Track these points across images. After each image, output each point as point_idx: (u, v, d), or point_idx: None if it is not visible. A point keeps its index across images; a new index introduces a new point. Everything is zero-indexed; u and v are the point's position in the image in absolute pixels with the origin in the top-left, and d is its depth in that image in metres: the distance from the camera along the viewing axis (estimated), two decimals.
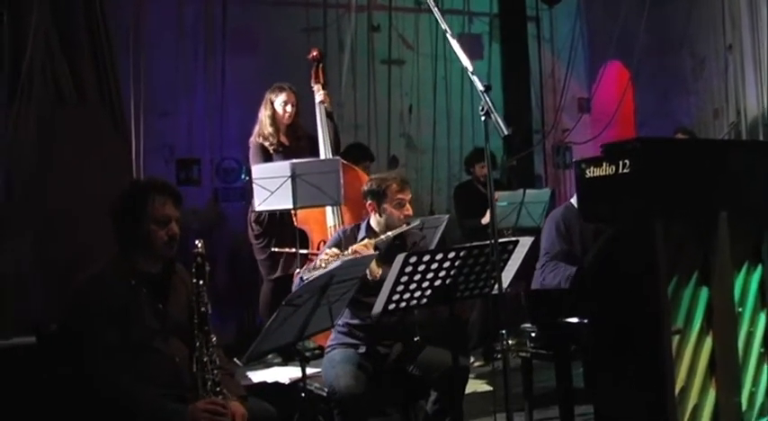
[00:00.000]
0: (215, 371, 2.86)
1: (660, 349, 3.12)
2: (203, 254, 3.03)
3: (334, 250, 3.75)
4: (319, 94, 5.49)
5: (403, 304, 3.18)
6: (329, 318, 3.01)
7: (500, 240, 3.26)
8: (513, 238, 3.36)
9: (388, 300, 3.12)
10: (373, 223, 4.00)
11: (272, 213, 5.07)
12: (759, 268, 3.79)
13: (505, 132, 2.61)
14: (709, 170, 3.44)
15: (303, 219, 4.99)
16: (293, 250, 5.05)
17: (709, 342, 3.48)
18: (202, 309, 2.87)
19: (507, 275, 3.46)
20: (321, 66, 5.64)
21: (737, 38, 6.88)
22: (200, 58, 7.27)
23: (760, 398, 3.70)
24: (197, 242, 3.04)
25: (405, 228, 3.91)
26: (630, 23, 7.17)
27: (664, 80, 7.75)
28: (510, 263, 3.42)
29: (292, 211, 4.99)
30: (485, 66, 8.72)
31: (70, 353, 2.80)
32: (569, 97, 8.43)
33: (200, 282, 2.93)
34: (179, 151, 7.15)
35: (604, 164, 3.23)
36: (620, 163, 3.16)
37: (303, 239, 5.10)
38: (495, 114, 2.59)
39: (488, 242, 3.16)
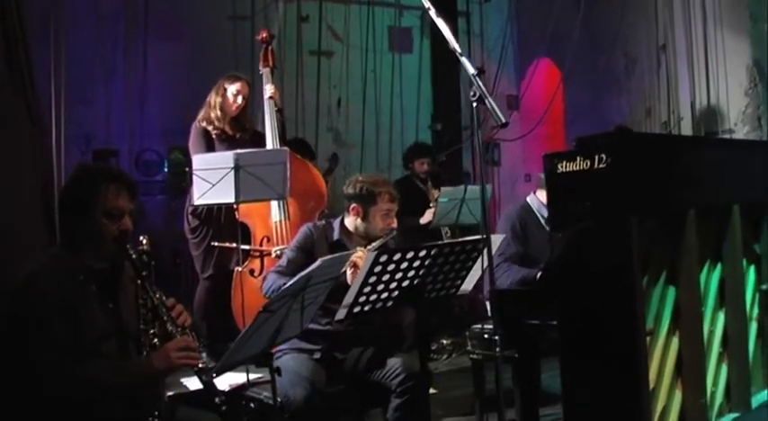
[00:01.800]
0: (171, 314, 2.66)
1: (635, 350, 3.02)
2: (149, 251, 2.77)
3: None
4: (268, 88, 5.24)
5: (368, 307, 2.96)
6: (300, 324, 2.77)
7: (469, 238, 3.09)
8: (482, 236, 3.17)
9: (354, 303, 2.89)
10: (348, 224, 3.78)
11: (210, 207, 4.76)
12: (719, 267, 3.77)
13: (503, 120, 2.43)
14: (682, 166, 3.38)
15: (246, 212, 4.71)
16: (233, 245, 4.76)
17: (675, 342, 3.42)
18: (156, 298, 2.61)
19: (475, 275, 3.29)
20: (270, 48, 5.40)
21: (671, 37, 6.95)
22: (120, 44, 6.94)
23: (719, 398, 3.68)
24: (141, 238, 2.78)
25: (387, 237, 3.72)
26: (563, 21, 7.15)
27: (595, 79, 7.79)
28: (479, 261, 3.24)
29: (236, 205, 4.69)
30: (415, 60, 8.64)
31: (13, 351, 2.46)
32: (498, 94, 8.38)
33: (146, 283, 2.66)
34: (96, 141, 6.77)
35: (578, 158, 3.10)
36: (597, 157, 3.05)
37: (245, 234, 4.82)
38: (490, 100, 2.40)
39: (461, 240, 3.01)
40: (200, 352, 2.63)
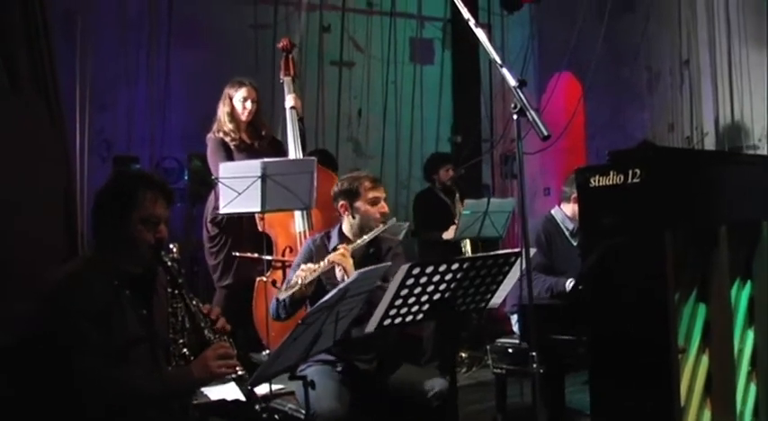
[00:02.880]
0: (208, 321, 2.66)
1: (668, 368, 3.00)
2: (179, 259, 2.78)
3: (311, 265, 3.48)
4: (290, 98, 5.21)
5: (399, 319, 2.94)
6: (332, 336, 2.75)
7: (503, 252, 3.07)
8: (515, 250, 3.15)
9: (385, 315, 2.87)
10: (345, 228, 3.76)
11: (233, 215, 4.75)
12: (749, 284, 3.73)
13: (545, 133, 2.41)
14: (713, 182, 3.35)
15: (268, 222, 4.69)
16: (255, 255, 4.75)
17: (705, 360, 3.38)
18: (193, 304, 2.61)
19: (505, 288, 3.26)
20: (291, 57, 5.36)
21: (695, 52, 6.92)
22: (143, 51, 6.94)
23: (748, 418, 3.64)
24: (171, 246, 2.78)
25: (381, 228, 3.66)
26: (585, 34, 7.13)
27: (617, 93, 7.75)
28: (510, 275, 3.21)
29: (257, 214, 4.69)
30: (436, 71, 8.64)
31: (50, 359, 2.46)
32: None
33: (177, 292, 2.66)
34: (117, 148, 6.79)
35: (612, 172, 3.10)
36: (630, 172, 3.04)
37: (267, 244, 4.80)
38: (533, 112, 2.39)
39: (494, 253, 2.99)
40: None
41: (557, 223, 4.42)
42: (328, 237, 3.79)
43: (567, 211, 4.42)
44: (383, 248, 3.79)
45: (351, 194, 3.70)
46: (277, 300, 3.53)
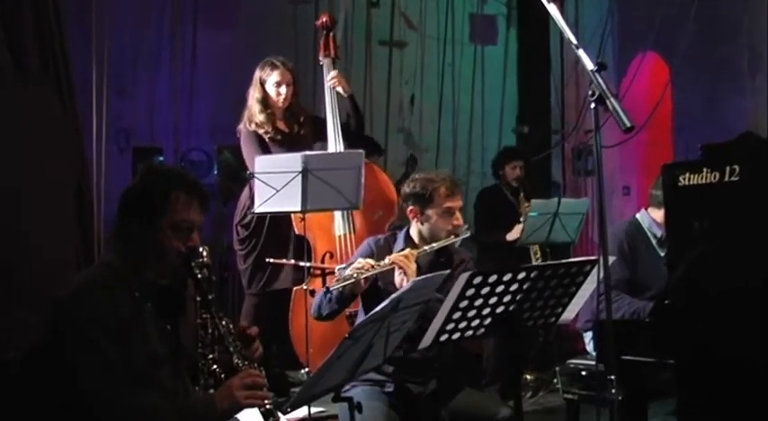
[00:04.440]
0: (238, 344, 2.68)
1: None
2: (209, 264, 2.79)
3: (370, 260, 3.51)
4: (332, 77, 5.20)
5: (456, 334, 2.96)
6: (383, 353, 2.77)
7: (577, 260, 3.06)
8: (591, 258, 3.14)
9: (442, 330, 2.89)
10: (413, 233, 3.78)
11: (261, 215, 4.80)
12: None
13: (628, 124, 2.41)
14: None
15: (308, 224, 4.73)
16: (291, 262, 4.79)
17: None
18: (222, 325, 2.65)
19: (578, 302, 3.25)
20: (332, 35, 5.36)
21: None
22: (165, 30, 7.05)
23: None
24: (201, 249, 2.80)
25: (452, 240, 3.69)
26: (673, 8, 7.04)
27: (712, 77, 7.63)
28: (584, 287, 3.20)
29: (294, 215, 4.74)
30: (500, 53, 8.63)
31: (58, 374, 2.51)
32: None
33: (212, 308, 2.69)
34: (137, 138, 6.90)
35: (705, 170, 3.09)
36: (728, 169, 3.02)
37: (299, 248, 4.85)
38: (613, 100, 2.38)
39: (566, 261, 2.99)
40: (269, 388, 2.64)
41: (642, 229, 4.35)
42: (394, 238, 3.84)
43: (655, 216, 4.34)
44: (455, 260, 3.82)
45: (422, 200, 3.71)
46: (326, 290, 3.57)
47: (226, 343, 2.65)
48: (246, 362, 2.64)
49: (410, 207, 3.75)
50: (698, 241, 3.12)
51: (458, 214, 3.73)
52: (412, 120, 8.15)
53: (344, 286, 3.46)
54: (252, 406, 2.58)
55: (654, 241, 4.32)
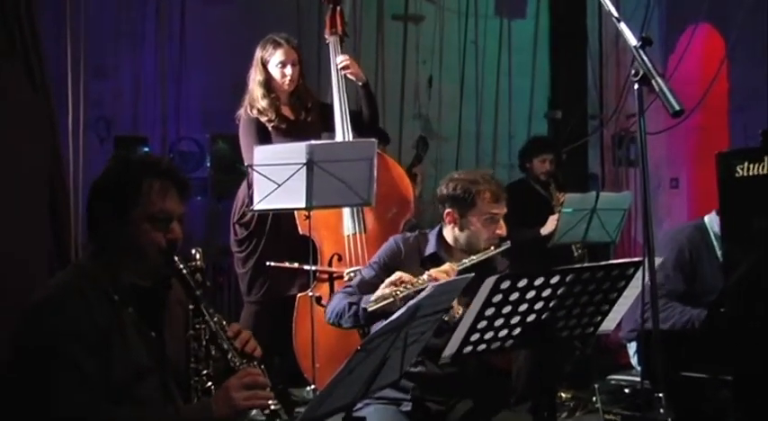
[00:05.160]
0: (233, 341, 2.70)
1: None
2: (202, 268, 2.81)
3: (405, 275, 3.50)
4: (342, 63, 5.20)
5: (482, 346, 2.96)
6: (399, 368, 2.77)
7: (618, 261, 3.06)
8: (635, 259, 3.14)
9: (466, 341, 2.89)
10: (447, 235, 3.80)
11: (263, 213, 4.82)
12: None
13: (676, 107, 2.41)
14: None
15: (313, 223, 4.75)
16: (295, 265, 4.82)
17: None
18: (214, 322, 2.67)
19: (620, 310, 3.26)
20: (339, 9, 5.36)
21: None
22: (150, 5, 7.10)
23: None
24: (194, 251, 2.83)
25: (493, 251, 3.71)
26: None
27: None
28: (627, 293, 3.21)
29: (298, 212, 4.76)
30: (529, 28, 8.64)
31: (30, 394, 2.53)
32: None
33: (201, 306, 2.71)
34: (119, 126, 6.98)
35: (766, 158, 3.09)
36: None
37: (304, 250, 4.86)
38: (660, 80, 2.38)
39: (606, 263, 2.99)
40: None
41: (708, 235, 4.30)
42: (425, 239, 3.85)
43: None
44: (498, 271, 3.84)
45: (463, 204, 3.73)
46: (351, 304, 3.57)
47: (219, 340, 2.66)
48: (245, 361, 2.66)
49: (447, 210, 3.76)
50: (758, 240, 3.11)
51: (501, 222, 3.76)
52: (430, 106, 8.18)
53: (381, 307, 3.45)
54: (253, 408, 2.59)
55: (719, 251, 4.23)
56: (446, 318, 3.41)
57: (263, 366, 2.73)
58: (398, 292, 3.42)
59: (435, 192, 3.87)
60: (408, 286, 3.45)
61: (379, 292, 3.50)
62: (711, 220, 4.32)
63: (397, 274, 3.52)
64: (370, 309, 3.47)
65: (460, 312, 3.44)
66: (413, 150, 7.31)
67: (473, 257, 3.66)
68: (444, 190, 3.78)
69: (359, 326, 3.66)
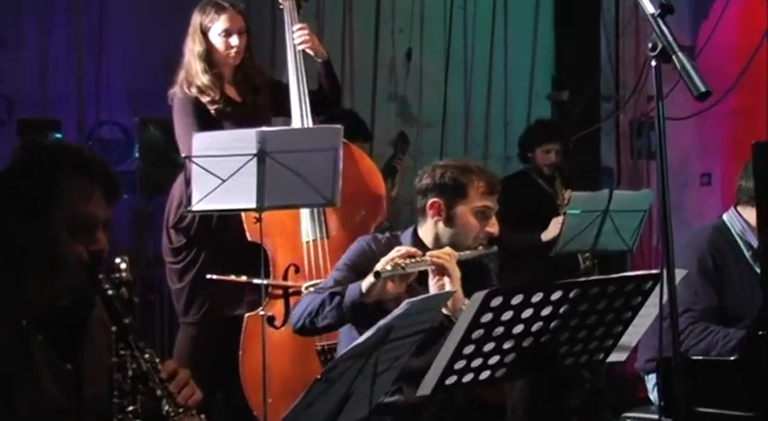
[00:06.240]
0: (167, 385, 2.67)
1: None
2: (129, 281, 2.80)
3: (411, 248, 3.64)
4: (297, 28, 5.22)
5: (469, 376, 3.00)
6: (369, 401, 2.81)
7: (632, 274, 3.11)
8: (653, 271, 3.19)
9: (449, 369, 2.93)
10: (425, 234, 3.90)
11: (206, 215, 4.84)
12: None
13: (702, 88, 2.44)
14: None
15: (265, 227, 4.77)
16: (243, 278, 4.84)
17: None
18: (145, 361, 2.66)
19: (636, 332, 3.31)
20: None
21: None
22: None
23: None
24: (118, 260, 2.82)
25: (484, 252, 3.82)
26: None
27: None
28: (643, 311, 3.26)
29: (245, 214, 4.77)
30: None
31: None
32: None
33: (129, 338, 2.71)
34: (24, 107, 6.96)
35: None
36: None
37: (254, 260, 4.89)
38: (682, 56, 2.42)
39: (619, 275, 3.03)
40: None
41: (731, 235, 4.36)
42: (397, 240, 3.93)
43: (749, 218, 4.36)
44: (491, 276, 4.02)
45: (453, 192, 3.84)
46: (333, 295, 3.66)
47: (151, 383, 2.66)
48: (181, 410, 2.66)
49: (432, 200, 3.86)
50: None
51: (494, 219, 3.85)
52: (408, 84, 8.16)
53: (391, 274, 3.51)
54: None
55: (747, 253, 4.30)
56: (446, 313, 3.50)
57: (202, 416, 2.73)
58: (406, 264, 3.52)
59: (414, 185, 3.96)
60: (416, 260, 3.56)
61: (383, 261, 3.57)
62: (731, 218, 4.42)
63: (404, 247, 3.62)
64: (384, 275, 3.50)
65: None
66: (390, 148, 7.30)
67: (467, 252, 3.75)
68: (428, 179, 3.86)
69: (340, 322, 3.70)
